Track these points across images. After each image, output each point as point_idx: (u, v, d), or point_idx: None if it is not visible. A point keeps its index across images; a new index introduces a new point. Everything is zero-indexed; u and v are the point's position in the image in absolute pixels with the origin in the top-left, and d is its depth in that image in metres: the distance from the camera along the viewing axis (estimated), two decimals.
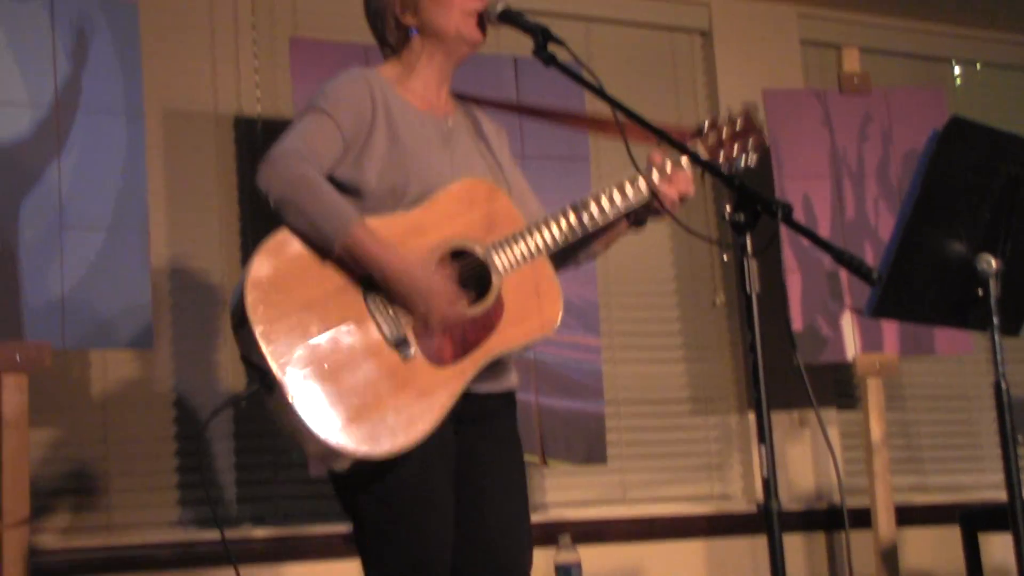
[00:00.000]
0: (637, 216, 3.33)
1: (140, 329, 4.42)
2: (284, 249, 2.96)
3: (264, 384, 2.87)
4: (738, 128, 3.40)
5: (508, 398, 3.28)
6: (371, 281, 2.97)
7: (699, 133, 3.35)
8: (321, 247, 2.95)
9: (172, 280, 5.00)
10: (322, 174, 3.03)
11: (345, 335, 2.93)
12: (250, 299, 2.88)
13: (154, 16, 4.95)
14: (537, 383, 5.09)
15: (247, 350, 2.91)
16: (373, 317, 2.97)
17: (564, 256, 3.31)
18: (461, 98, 3.41)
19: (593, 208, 3.22)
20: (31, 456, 4.32)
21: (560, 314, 3.18)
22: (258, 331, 2.86)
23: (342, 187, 3.07)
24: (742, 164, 3.39)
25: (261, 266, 2.92)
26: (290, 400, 2.84)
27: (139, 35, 4.60)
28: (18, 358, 4.17)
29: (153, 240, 4.63)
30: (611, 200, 3.23)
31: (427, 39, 3.25)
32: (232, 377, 5.02)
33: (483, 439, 3.19)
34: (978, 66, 6.97)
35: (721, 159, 3.36)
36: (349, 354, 2.92)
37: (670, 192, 3.25)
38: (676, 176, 3.26)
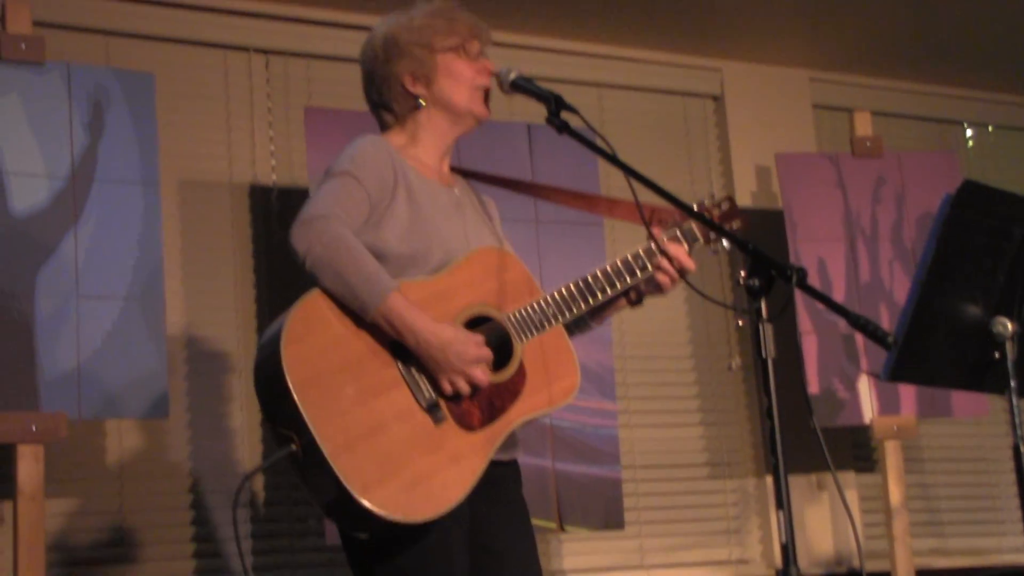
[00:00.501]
0: (637, 293, 3.38)
1: (156, 399, 4.42)
2: (319, 310, 2.96)
3: (301, 444, 2.85)
4: (725, 209, 3.45)
5: (515, 466, 3.30)
6: (403, 350, 2.98)
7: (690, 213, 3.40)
8: (357, 310, 2.95)
9: (188, 349, 5.00)
10: None
11: (379, 398, 2.93)
12: (287, 359, 2.86)
13: (170, 86, 5.00)
14: (553, 449, 5.08)
15: (278, 409, 2.89)
16: (405, 381, 2.98)
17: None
18: (456, 171, 3.44)
19: (603, 279, 3.25)
20: (47, 526, 4.31)
21: (579, 382, 3.22)
22: (295, 391, 2.84)
23: None
24: (726, 244, 3.43)
25: (297, 326, 2.91)
26: (329, 461, 2.82)
27: (155, 105, 4.63)
28: (34, 428, 4.17)
29: (169, 309, 4.64)
30: (618, 272, 3.27)
31: (435, 111, 3.27)
32: (248, 445, 5.01)
33: (496, 504, 3.19)
34: (990, 128, 6.99)
35: (711, 237, 3.41)
36: (383, 417, 2.92)
37: (670, 268, 3.29)
38: (675, 251, 3.30)
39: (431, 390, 2.99)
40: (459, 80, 3.25)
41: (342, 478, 2.81)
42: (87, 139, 4.47)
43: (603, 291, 3.25)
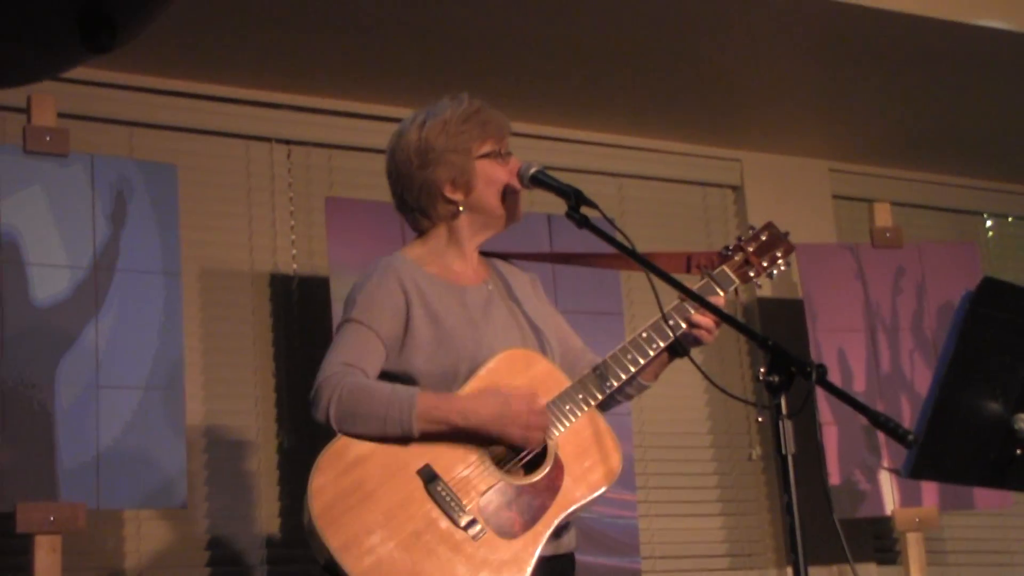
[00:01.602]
0: (678, 346, 3.31)
1: (175, 489, 4.41)
2: (341, 458, 2.98)
3: None
4: (764, 240, 3.41)
5: (568, 561, 3.25)
6: (430, 471, 2.99)
7: (725, 255, 3.37)
8: (398, 435, 2.98)
9: (207, 437, 5.00)
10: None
11: (416, 529, 2.95)
12: (317, 513, 2.91)
13: (192, 176, 5.03)
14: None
15: (326, 561, 2.92)
16: (438, 505, 2.98)
17: (613, 395, 3.30)
18: (486, 255, 3.42)
19: (634, 352, 3.23)
20: None
21: (620, 461, 3.19)
22: (333, 546, 2.88)
23: (395, 378, 3.11)
24: (775, 273, 3.41)
25: (323, 480, 2.95)
26: None
27: (177, 196, 4.67)
28: (52, 519, 4.16)
29: (189, 398, 4.65)
30: (650, 341, 3.24)
31: (473, 215, 3.27)
32: (267, 537, 4.99)
33: None
34: (1010, 219, 7.00)
35: (752, 275, 3.38)
36: (424, 546, 2.94)
37: (705, 321, 3.25)
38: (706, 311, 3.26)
39: (464, 508, 2.98)
40: (497, 185, 3.26)
41: None
42: (109, 229, 4.50)
43: (635, 364, 3.22)
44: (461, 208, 3.26)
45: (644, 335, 3.25)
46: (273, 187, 5.36)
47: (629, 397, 3.38)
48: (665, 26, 5.11)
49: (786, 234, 3.47)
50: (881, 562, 6.06)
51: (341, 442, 3.00)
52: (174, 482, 4.42)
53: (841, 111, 5.99)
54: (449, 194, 3.25)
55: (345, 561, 2.87)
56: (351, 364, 3.06)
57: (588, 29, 5.10)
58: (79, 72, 4.85)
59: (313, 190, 5.40)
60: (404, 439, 3.00)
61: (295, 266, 5.30)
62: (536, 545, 3.01)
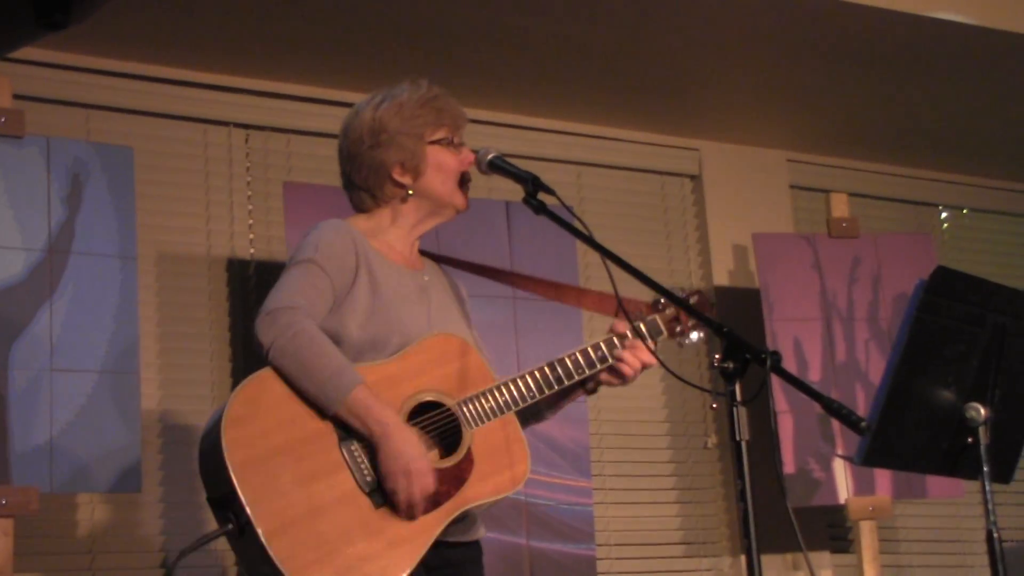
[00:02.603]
0: (595, 382, 3.38)
1: (129, 472, 4.40)
2: (263, 392, 2.98)
3: (238, 526, 2.87)
4: (694, 303, 3.41)
5: (476, 548, 3.28)
6: (349, 429, 2.99)
7: (656, 307, 3.39)
8: (319, 406, 2.97)
9: (162, 422, 4.98)
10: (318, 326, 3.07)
11: (320, 481, 2.94)
12: (227, 440, 2.89)
13: (149, 160, 5.00)
14: (528, 526, 5.06)
15: (219, 490, 2.91)
16: (348, 464, 2.98)
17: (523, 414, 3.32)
18: (427, 255, 3.45)
19: (560, 370, 3.26)
20: None
21: (528, 471, 3.20)
22: (234, 473, 2.87)
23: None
24: (694, 339, 3.43)
25: (240, 407, 2.94)
26: (264, 544, 2.84)
27: (134, 179, 4.64)
28: (4, 502, 4.14)
29: (144, 383, 4.63)
30: (576, 364, 3.28)
31: (419, 200, 3.28)
32: None
33: None
34: (965, 211, 7.05)
35: (679, 331, 3.41)
36: (323, 501, 2.93)
37: (632, 360, 3.30)
38: (638, 345, 3.31)
39: (373, 474, 2.98)
40: (446, 172, 3.28)
41: (277, 560, 2.84)
42: (65, 212, 4.47)
43: (559, 382, 3.26)
44: (410, 192, 3.26)
45: (573, 360, 3.29)
46: (231, 172, 5.33)
47: (525, 422, 3.38)
48: (624, 15, 5.11)
49: (713, 305, 3.51)
50: (835, 550, 6.09)
51: (261, 382, 2.99)
52: (129, 466, 4.40)
53: (799, 102, 6.01)
54: (398, 176, 3.26)
55: (240, 478, 2.86)
56: (307, 305, 3.05)
57: (547, 18, 5.09)
58: (35, 54, 4.83)
59: (271, 175, 5.38)
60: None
61: (252, 251, 5.28)
62: (433, 531, 3.03)
